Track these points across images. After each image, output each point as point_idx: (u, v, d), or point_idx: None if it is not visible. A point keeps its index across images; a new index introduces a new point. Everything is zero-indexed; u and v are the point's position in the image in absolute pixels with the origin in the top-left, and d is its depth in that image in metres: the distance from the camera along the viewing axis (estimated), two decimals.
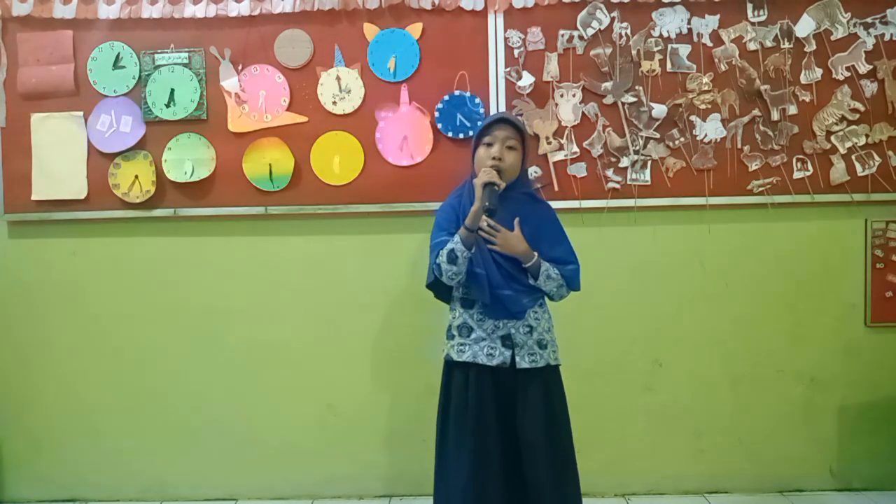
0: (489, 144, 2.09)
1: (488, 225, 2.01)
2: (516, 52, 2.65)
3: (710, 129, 2.66)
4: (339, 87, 2.66)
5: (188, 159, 2.66)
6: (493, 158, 2.05)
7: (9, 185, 2.70)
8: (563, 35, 2.64)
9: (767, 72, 2.65)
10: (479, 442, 2.02)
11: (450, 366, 2.13)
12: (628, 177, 2.67)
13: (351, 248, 2.73)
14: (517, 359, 2.05)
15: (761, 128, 2.66)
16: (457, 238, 2.00)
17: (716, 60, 2.65)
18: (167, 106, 2.66)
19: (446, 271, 2.02)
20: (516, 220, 2.04)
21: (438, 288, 2.15)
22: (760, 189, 2.68)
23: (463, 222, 2.02)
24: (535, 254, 2.06)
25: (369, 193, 2.67)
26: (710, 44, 2.65)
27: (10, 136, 2.69)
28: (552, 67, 2.65)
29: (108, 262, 2.74)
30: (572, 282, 2.13)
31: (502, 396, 2.05)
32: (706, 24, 2.65)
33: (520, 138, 2.11)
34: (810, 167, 2.67)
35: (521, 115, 2.64)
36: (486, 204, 1.95)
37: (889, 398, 2.74)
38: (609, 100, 2.66)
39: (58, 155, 2.68)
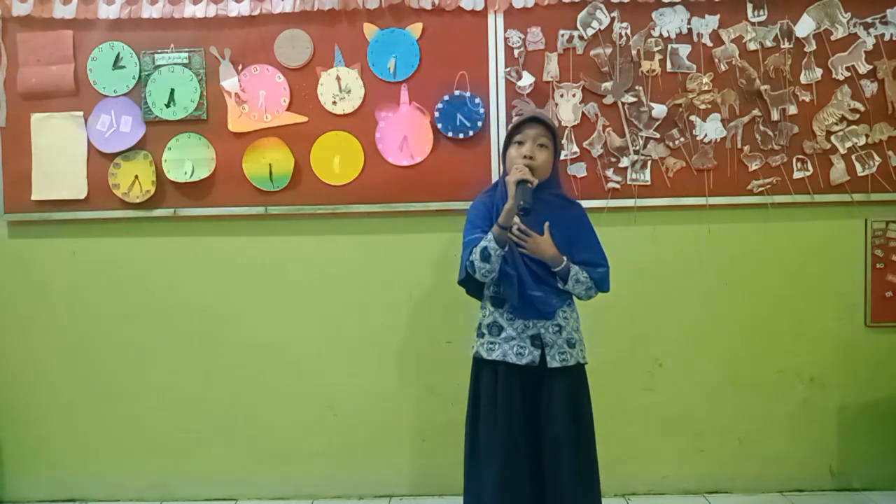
0: (520, 143, 2.07)
1: (518, 230, 2.00)
2: (516, 52, 2.65)
3: (710, 129, 2.66)
4: (339, 87, 2.66)
5: (188, 159, 2.66)
6: (525, 157, 2.04)
7: (9, 185, 2.70)
8: (563, 35, 2.64)
9: (767, 72, 2.65)
10: (508, 438, 2.03)
11: (479, 363, 2.13)
12: (628, 177, 2.67)
13: (351, 249, 2.73)
14: (547, 358, 2.05)
15: (761, 128, 2.67)
16: (490, 236, 1.99)
17: (716, 60, 2.65)
18: (167, 106, 2.66)
19: (479, 269, 2.01)
20: (546, 225, 2.03)
21: (470, 285, 2.15)
22: (760, 189, 2.68)
23: (496, 220, 2.01)
24: (564, 258, 2.05)
25: (369, 193, 2.67)
26: (710, 44, 2.65)
27: (10, 136, 2.69)
28: (552, 67, 2.66)
29: (108, 263, 2.74)
30: (602, 283, 2.13)
31: (529, 394, 2.06)
32: (706, 24, 2.65)
33: (551, 137, 2.09)
34: (810, 167, 2.67)
35: (521, 114, 2.64)
36: (521, 202, 1.93)
37: (889, 398, 2.74)
38: (609, 100, 2.66)
39: (58, 155, 2.68)
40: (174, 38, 2.66)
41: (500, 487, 2.02)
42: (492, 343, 2.08)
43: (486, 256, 1.98)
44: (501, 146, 2.15)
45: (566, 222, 2.10)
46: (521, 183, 1.96)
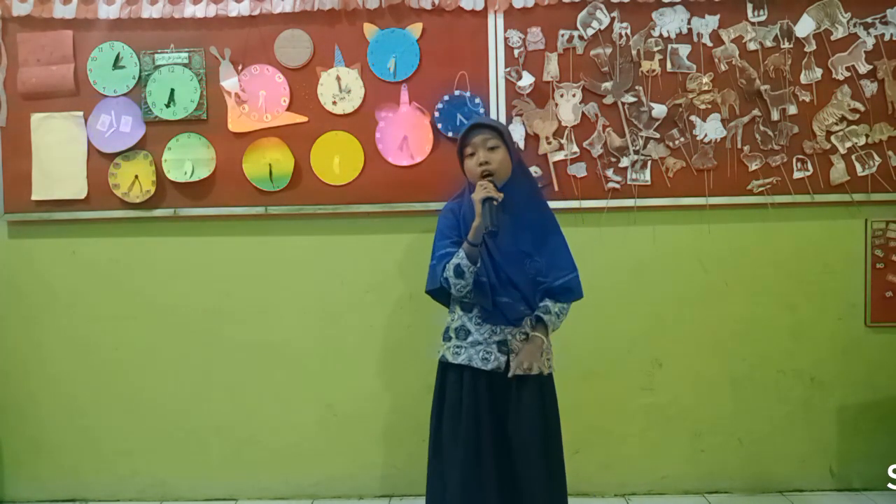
0: (472, 153, 2.09)
1: (513, 375, 2.01)
2: (516, 52, 2.65)
3: (710, 129, 2.66)
4: (339, 87, 2.66)
5: (188, 159, 2.66)
6: (481, 165, 2.05)
7: (9, 185, 2.70)
8: (563, 35, 2.64)
9: (767, 72, 2.65)
10: (472, 442, 2.03)
11: (444, 367, 2.14)
12: (628, 177, 2.67)
13: (351, 248, 2.73)
14: (512, 365, 2.05)
15: (761, 128, 2.66)
16: (462, 253, 2.01)
17: (716, 60, 2.65)
18: (167, 106, 2.66)
19: (454, 285, 2.03)
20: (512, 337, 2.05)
21: (438, 293, 2.17)
22: (760, 189, 2.68)
23: (465, 235, 2.02)
24: (538, 333, 2.05)
25: (369, 193, 2.67)
26: (710, 44, 2.65)
27: (10, 136, 2.69)
28: (552, 67, 2.65)
29: (108, 263, 2.74)
30: (577, 291, 2.12)
31: (496, 399, 2.06)
32: (706, 24, 2.65)
33: (498, 136, 2.10)
34: (810, 167, 2.67)
35: (521, 114, 2.64)
36: (489, 226, 1.95)
37: (889, 398, 2.74)
38: (609, 100, 2.66)
39: (58, 155, 2.68)
40: (174, 38, 2.66)
41: (463, 488, 2.02)
42: (458, 347, 2.09)
43: (459, 273, 2.01)
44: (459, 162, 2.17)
45: (535, 226, 2.11)
46: (487, 200, 1.97)
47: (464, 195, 2.16)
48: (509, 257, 2.04)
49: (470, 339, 2.08)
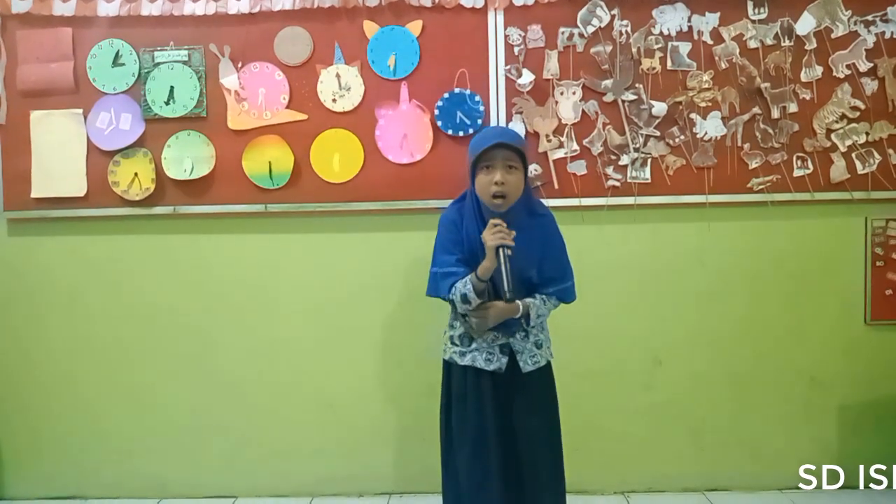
0: (489, 167, 2.02)
1: (474, 320, 2.05)
2: (516, 49, 2.65)
3: (711, 126, 2.66)
4: (339, 85, 2.66)
5: (188, 157, 2.66)
6: (496, 184, 2.00)
7: (8, 182, 2.70)
8: (563, 32, 2.64)
9: (768, 70, 2.65)
10: (480, 439, 2.06)
11: (449, 365, 2.16)
12: (628, 175, 2.67)
13: (351, 246, 2.73)
14: (521, 364, 2.08)
15: (761, 126, 2.66)
16: (469, 285, 2.00)
17: (716, 58, 2.65)
18: (167, 103, 2.66)
19: (461, 308, 2.06)
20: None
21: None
22: (760, 187, 2.67)
23: (467, 252, 2.05)
24: (519, 305, 2.04)
25: (369, 191, 2.67)
26: (710, 41, 2.65)
27: (9, 133, 2.69)
28: (552, 65, 2.65)
29: (107, 260, 2.74)
30: (567, 297, 2.14)
31: (499, 391, 2.09)
32: (706, 22, 2.64)
33: (519, 159, 2.04)
34: (810, 165, 2.67)
35: (521, 112, 2.64)
36: (505, 294, 1.93)
37: (889, 397, 2.74)
38: (609, 97, 2.65)
39: (57, 152, 2.68)
40: (174, 36, 2.66)
41: (472, 468, 2.05)
42: (462, 352, 2.12)
43: (466, 301, 2.02)
44: (468, 167, 2.08)
45: (536, 241, 2.08)
46: (500, 248, 1.94)
47: (464, 199, 2.14)
48: (514, 282, 2.01)
49: (473, 345, 2.11)
